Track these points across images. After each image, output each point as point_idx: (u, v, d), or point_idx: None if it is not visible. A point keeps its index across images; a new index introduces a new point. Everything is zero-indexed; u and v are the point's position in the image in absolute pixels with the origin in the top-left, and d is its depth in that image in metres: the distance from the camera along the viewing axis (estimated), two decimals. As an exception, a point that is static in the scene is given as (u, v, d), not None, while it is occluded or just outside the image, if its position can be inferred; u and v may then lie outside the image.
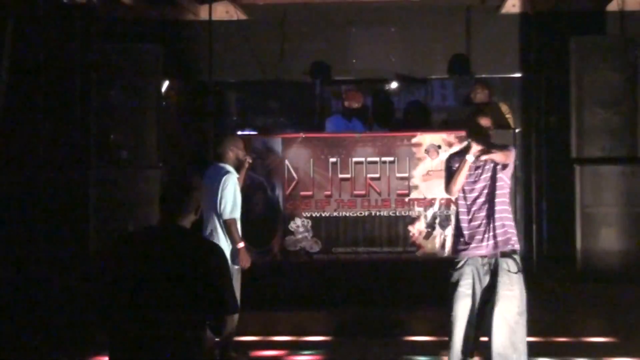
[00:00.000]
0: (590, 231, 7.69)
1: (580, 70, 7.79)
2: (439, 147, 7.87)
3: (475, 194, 5.49)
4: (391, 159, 7.88)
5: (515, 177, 7.96)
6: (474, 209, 5.48)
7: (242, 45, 9.43)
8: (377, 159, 7.86)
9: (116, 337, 3.12)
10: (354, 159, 7.88)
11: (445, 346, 5.61)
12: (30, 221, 7.49)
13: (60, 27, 8.08)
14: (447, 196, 7.81)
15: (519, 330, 5.36)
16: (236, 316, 3.22)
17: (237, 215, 6.34)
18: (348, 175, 7.81)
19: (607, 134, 7.75)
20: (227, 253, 6.20)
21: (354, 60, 9.62)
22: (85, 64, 8.10)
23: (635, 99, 7.72)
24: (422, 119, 8.63)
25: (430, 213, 7.83)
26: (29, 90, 7.55)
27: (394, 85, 9.98)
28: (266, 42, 9.50)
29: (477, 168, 5.49)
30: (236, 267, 6.25)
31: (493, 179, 5.46)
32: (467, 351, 5.43)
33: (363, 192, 7.89)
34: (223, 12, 9.29)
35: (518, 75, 9.41)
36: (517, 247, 5.47)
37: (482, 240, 5.41)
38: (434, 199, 7.85)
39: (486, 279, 5.41)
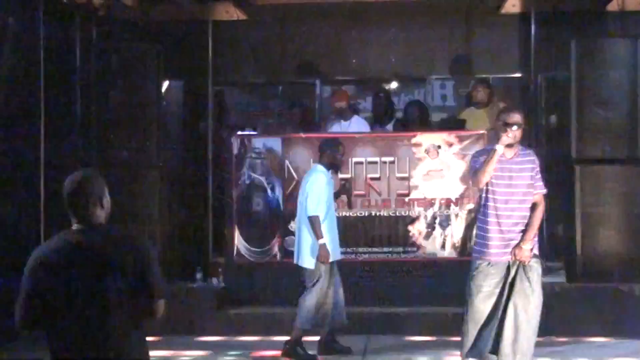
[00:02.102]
0: (590, 231, 7.68)
1: (581, 70, 7.78)
2: (439, 147, 7.87)
3: (507, 197, 5.46)
4: (391, 159, 7.88)
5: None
6: (505, 213, 5.45)
7: (242, 45, 9.43)
8: (377, 159, 7.87)
9: (54, 338, 3.14)
10: (354, 159, 7.88)
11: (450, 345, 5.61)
12: (30, 221, 7.49)
13: (60, 27, 8.08)
14: (447, 196, 7.83)
15: (530, 329, 5.38)
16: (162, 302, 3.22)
17: (322, 212, 6.47)
18: (348, 175, 7.80)
19: (607, 134, 7.74)
20: (309, 247, 6.48)
21: (354, 60, 9.62)
22: (85, 64, 8.09)
23: (635, 99, 7.71)
24: (422, 119, 8.61)
25: (430, 213, 7.83)
26: (29, 91, 7.54)
27: (394, 85, 9.98)
28: (266, 42, 9.50)
29: (509, 170, 5.47)
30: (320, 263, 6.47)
31: (525, 184, 5.46)
32: (483, 352, 5.45)
33: (363, 192, 7.89)
34: (223, 12, 9.27)
35: (518, 75, 9.40)
36: (537, 250, 5.49)
37: (508, 247, 5.42)
38: (434, 199, 7.85)
39: (509, 279, 5.41)
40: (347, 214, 7.86)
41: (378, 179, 7.84)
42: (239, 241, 7.91)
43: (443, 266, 7.78)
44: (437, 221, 7.83)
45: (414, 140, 7.90)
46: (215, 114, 8.88)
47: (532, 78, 8.67)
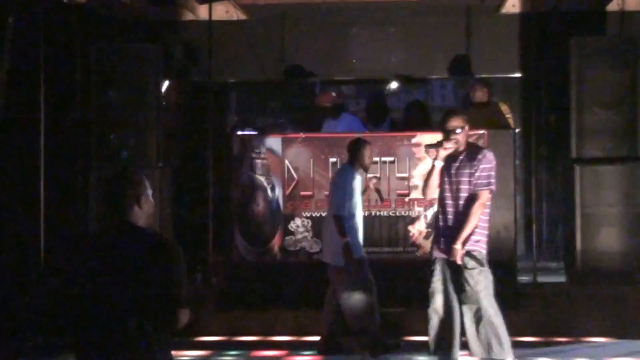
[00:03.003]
0: (590, 231, 7.68)
1: (580, 70, 7.78)
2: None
3: (447, 194, 5.51)
4: (391, 159, 7.88)
5: (514, 177, 7.98)
6: (447, 210, 5.51)
7: (242, 45, 9.43)
8: (377, 159, 7.86)
9: (77, 341, 3.13)
10: (354, 159, 7.86)
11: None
12: (30, 221, 7.49)
13: (60, 27, 8.08)
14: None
15: (493, 323, 5.36)
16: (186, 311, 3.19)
17: (348, 212, 6.51)
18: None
19: (607, 134, 7.74)
20: (336, 246, 6.48)
21: (354, 60, 9.62)
22: (85, 64, 8.09)
23: (635, 99, 7.71)
24: (422, 119, 8.61)
25: (430, 213, 7.82)
26: (29, 90, 7.55)
27: (394, 85, 9.98)
28: (266, 42, 9.50)
29: (450, 168, 5.48)
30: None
31: (464, 181, 5.45)
32: (445, 344, 5.50)
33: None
34: (223, 12, 9.28)
35: (518, 75, 9.41)
36: (477, 249, 5.43)
37: (447, 243, 5.44)
38: (434, 199, 7.82)
39: (454, 275, 5.46)
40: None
41: (378, 178, 7.84)
42: (239, 241, 7.91)
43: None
44: (437, 221, 7.83)
45: (414, 140, 7.90)
46: (215, 114, 8.89)
47: (532, 78, 8.67)
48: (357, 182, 6.73)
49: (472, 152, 5.52)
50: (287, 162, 7.93)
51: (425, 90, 9.91)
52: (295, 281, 7.71)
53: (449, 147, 5.39)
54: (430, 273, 5.56)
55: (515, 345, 6.72)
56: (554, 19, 8.71)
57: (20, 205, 7.57)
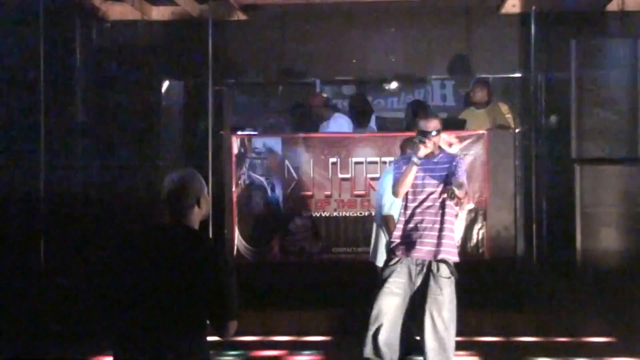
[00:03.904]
0: (590, 231, 7.68)
1: (581, 70, 7.79)
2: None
3: (420, 197, 5.38)
4: (391, 159, 7.88)
5: (515, 177, 7.98)
6: (417, 211, 5.38)
7: (242, 45, 9.43)
8: (377, 159, 7.87)
9: (119, 338, 3.11)
10: (354, 159, 7.88)
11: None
12: (32, 221, 7.49)
13: (60, 27, 8.08)
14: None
15: (449, 333, 5.30)
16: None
17: (396, 211, 6.32)
18: (348, 175, 7.80)
19: (607, 134, 7.74)
20: (383, 246, 6.41)
21: (354, 60, 9.62)
22: (86, 64, 8.09)
23: (635, 99, 7.71)
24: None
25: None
26: (29, 90, 7.55)
27: (393, 85, 9.97)
28: (266, 42, 9.50)
29: (424, 171, 5.39)
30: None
31: (440, 185, 5.35)
32: (393, 350, 5.39)
33: (363, 192, 7.89)
34: (223, 12, 9.29)
35: (518, 75, 9.40)
36: (453, 258, 5.36)
37: (419, 244, 5.33)
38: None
39: (418, 281, 5.34)
40: (347, 214, 7.86)
41: (378, 178, 7.84)
42: (239, 241, 7.92)
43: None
44: (437, 221, 7.82)
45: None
46: (215, 114, 8.88)
47: (532, 78, 8.67)
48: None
49: (447, 156, 5.48)
50: (287, 162, 7.93)
51: (425, 90, 9.90)
52: (295, 281, 7.71)
53: (429, 147, 5.31)
54: (389, 274, 5.39)
55: (516, 345, 6.75)
56: (554, 19, 8.70)
57: (20, 206, 7.57)
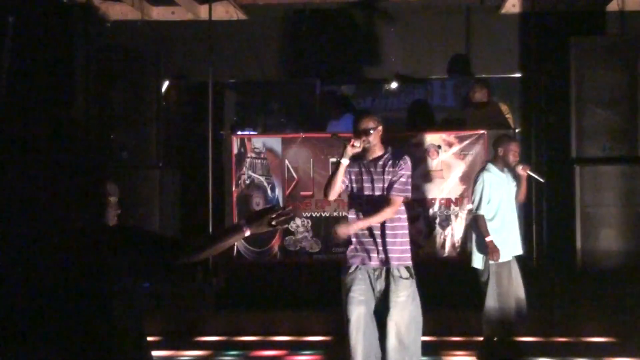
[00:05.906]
0: (590, 231, 7.69)
1: (580, 70, 7.79)
2: (439, 147, 7.87)
3: (369, 201, 5.23)
4: (391, 159, 7.87)
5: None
6: (362, 215, 5.24)
7: (242, 45, 9.43)
8: (377, 159, 7.86)
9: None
10: (354, 159, 7.87)
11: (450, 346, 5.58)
12: (32, 221, 7.48)
13: (60, 27, 8.08)
14: (447, 196, 7.84)
15: (411, 334, 5.23)
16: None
17: (488, 211, 6.41)
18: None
19: (607, 134, 7.75)
20: (476, 247, 6.44)
21: (354, 60, 9.62)
22: (86, 64, 8.09)
23: (635, 99, 7.72)
24: (423, 119, 8.62)
25: (430, 213, 7.83)
26: (29, 90, 7.55)
27: (393, 85, 9.98)
28: (266, 42, 9.50)
29: (367, 174, 5.25)
30: (490, 262, 6.35)
31: (385, 187, 5.19)
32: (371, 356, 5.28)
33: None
34: (223, 12, 9.30)
35: (518, 75, 9.41)
36: (408, 262, 5.24)
37: (372, 252, 5.21)
38: (434, 199, 7.85)
39: (378, 285, 5.24)
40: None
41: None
42: (239, 241, 7.91)
43: (443, 266, 7.77)
44: (437, 221, 7.83)
45: (414, 140, 7.90)
46: (215, 114, 8.89)
47: (532, 78, 8.67)
48: (502, 182, 6.52)
49: (394, 156, 5.26)
50: (287, 162, 7.93)
51: (425, 90, 9.91)
52: (295, 281, 7.71)
53: (357, 146, 5.22)
54: (350, 283, 5.27)
55: (516, 345, 6.74)
56: (554, 19, 8.71)
57: (20, 206, 7.57)
